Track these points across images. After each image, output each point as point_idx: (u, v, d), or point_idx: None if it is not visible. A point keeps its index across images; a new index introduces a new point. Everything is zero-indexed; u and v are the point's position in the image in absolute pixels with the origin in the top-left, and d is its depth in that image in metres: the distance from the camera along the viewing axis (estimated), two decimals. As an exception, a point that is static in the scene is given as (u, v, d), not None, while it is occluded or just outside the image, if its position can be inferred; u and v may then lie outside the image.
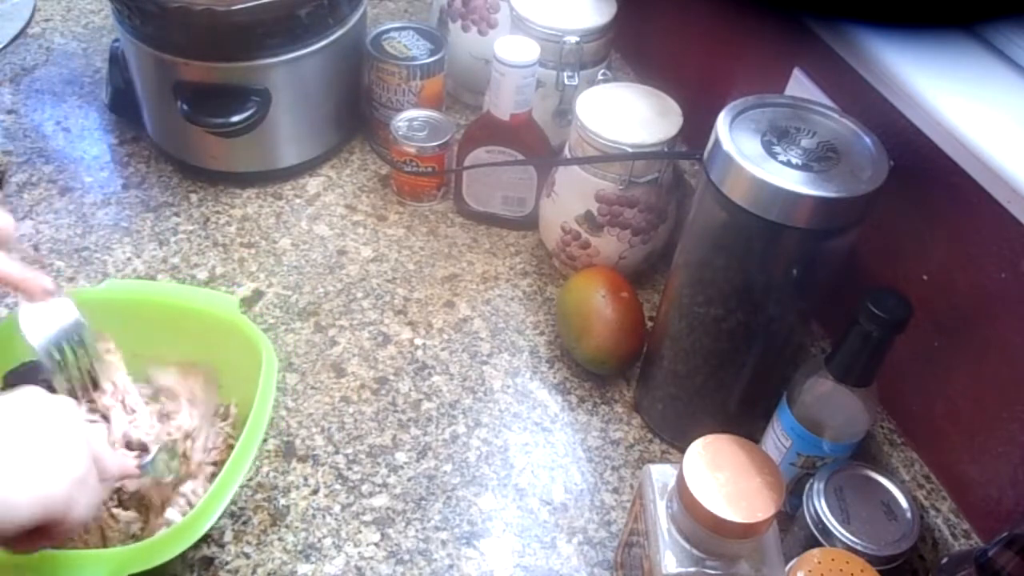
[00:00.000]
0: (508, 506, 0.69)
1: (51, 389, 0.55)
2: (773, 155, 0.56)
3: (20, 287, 0.55)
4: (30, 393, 0.47)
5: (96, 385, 0.59)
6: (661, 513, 0.53)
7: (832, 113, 0.60)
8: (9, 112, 0.99)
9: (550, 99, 0.90)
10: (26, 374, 0.61)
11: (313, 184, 0.95)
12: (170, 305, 0.69)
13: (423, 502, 0.69)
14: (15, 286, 0.55)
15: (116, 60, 0.92)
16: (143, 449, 0.59)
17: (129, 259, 0.84)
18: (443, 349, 0.80)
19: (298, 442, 0.71)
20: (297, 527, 0.66)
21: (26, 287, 0.55)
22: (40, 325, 0.56)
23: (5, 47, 1.07)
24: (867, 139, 0.58)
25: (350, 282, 0.85)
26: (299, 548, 0.65)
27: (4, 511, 0.41)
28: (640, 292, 0.83)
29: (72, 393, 0.58)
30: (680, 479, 0.51)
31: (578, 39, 0.86)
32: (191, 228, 0.88)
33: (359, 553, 0.65)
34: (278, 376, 0.74)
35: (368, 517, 0.67)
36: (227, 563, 0.63)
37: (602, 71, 0.89)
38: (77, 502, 0.45)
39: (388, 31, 0.96)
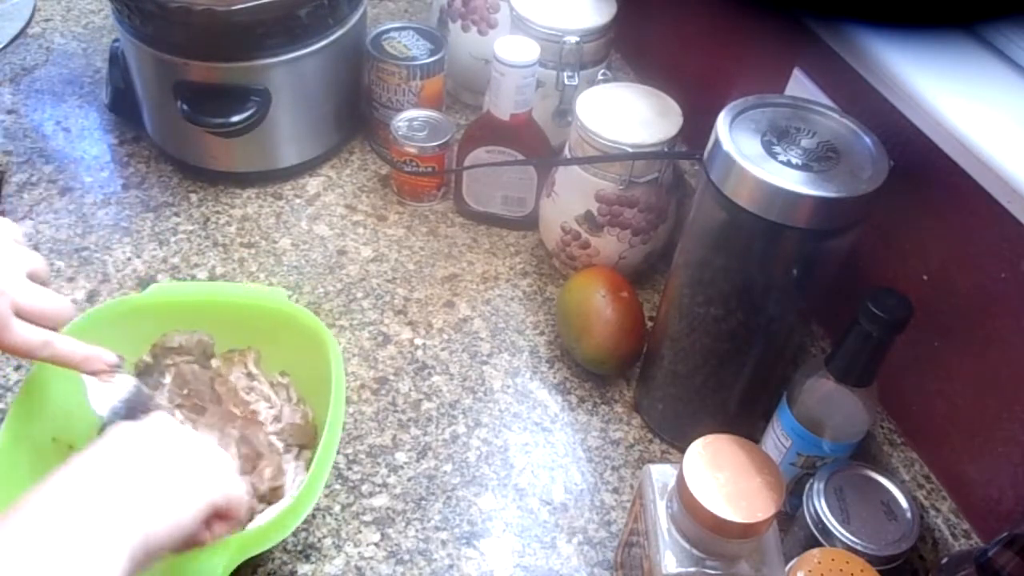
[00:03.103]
0: (508, 506, 0.69)
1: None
2: (773, 155, 0.56)
3: (83, 367, 0.56)
4: (160, 415, 0.54)
5: None
6: (661, 513, 0.53)
7: (832, 113, 0.60)
8: (9, 112, 0.99)
9: (550, 99, 0.90)
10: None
11: (313, 184, 0.95)
12: (215, 303, 0.70)
13: (423, 502, 0.69)
14: (77, 367, 0.56)
15: (116, 60, 0.92)
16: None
17: (129, 259, 0.84)
18: (443, 349, 0.80)
19: (298, 442, 0.71)
20: (297, 527, 0.66)
21: (89, 367, 0.56)
22: (106, 396, 0.57)
23: (5, 47, 1.07)
24: (867, 139, 0.58)
25: (350, 282, 0.85)
26: (299, 548, 0.65)
27: (182, 510, 0.46)
28: (640, 292, 0.83)
29: None
30: (680, 479, 0.51)
31: (578, 39, 0.86)
32: (191, 228, 0.88)
33: (359, 553, 0.65)
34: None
35: (368, 517, 0.67)
36: (227, 563, 0.63)
37: (602, 71, 0.89)
38: (231, 484, 0.50)
39: (388, 31, 0.96)
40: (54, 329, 0.54)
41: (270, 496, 0.62)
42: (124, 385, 0.58)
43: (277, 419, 0.67)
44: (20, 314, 0.52)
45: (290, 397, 0.69)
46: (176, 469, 0.47)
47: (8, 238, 0.55)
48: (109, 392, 0.57)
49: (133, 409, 0.58)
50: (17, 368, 0.74)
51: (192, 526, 0.46)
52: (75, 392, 0.59)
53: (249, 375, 0.69)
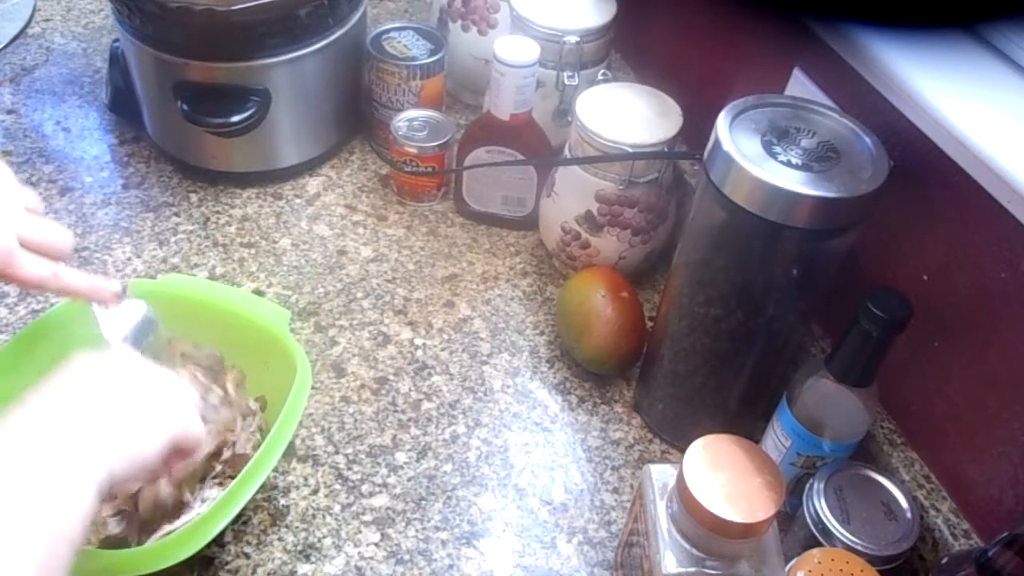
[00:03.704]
0: (508, 506, 0.69)
1: None
2: (773, 155, 0.56)
3: (90, 296, 0.58)
4: (121, 348, 0.54)
5: None
6: (661, 513, 0.53)
7: (832, 113, 0.60)
8: (9, 112, 0.99)
9: (550, 99, 0.90)
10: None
11: (313, 184, 0.95)
12: (219, 307, 0.70)
13: (423, 502, 0.69)
14: (84, 295, 0.58)
15: (116, 60, 0.92)
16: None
17: (129, 259, 0.84)
18: (443, 349, 0.80)
19: (298, 442, 0.71)
20: (297, 527, 0.66)
21: (97, 295, 0.58)
22: (116, 324, 0.59)
23: (5, 47, 1.07)
24: (867, 139, 0.58)
25: (350, 282, 0.85)
26: (299, 548, 0.65)
27: (143, 445, 0.46)
28: (640, 292, 0.83)
29: None
30: (680, 479, 0.51)
31: (578, 39, 0.86)
32: (191, 228, 0.88)
33: (359, 553, 0.65)
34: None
35: (368, 517, 0.67)
36: (227, 563, 0.63)
37: (602, 71, 0.89)
38: (191, 418, 0.50)
39: (388, 31, 0.96)
40: (57, 261, 0.56)
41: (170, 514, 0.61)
42: (134, 311, 0.60)
43: (229, 447, 0.65)
44: (26, 246, 0.53)
45: (255, 427, 0.67)
46: (138, 401, 0.47)
47: (3, 176, 0.56)
48: (119, 319, 0.59)
49: (142, 334, 0.60)
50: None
51: (153, 459, 0.47)
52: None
53: (225, 397, 0.67)
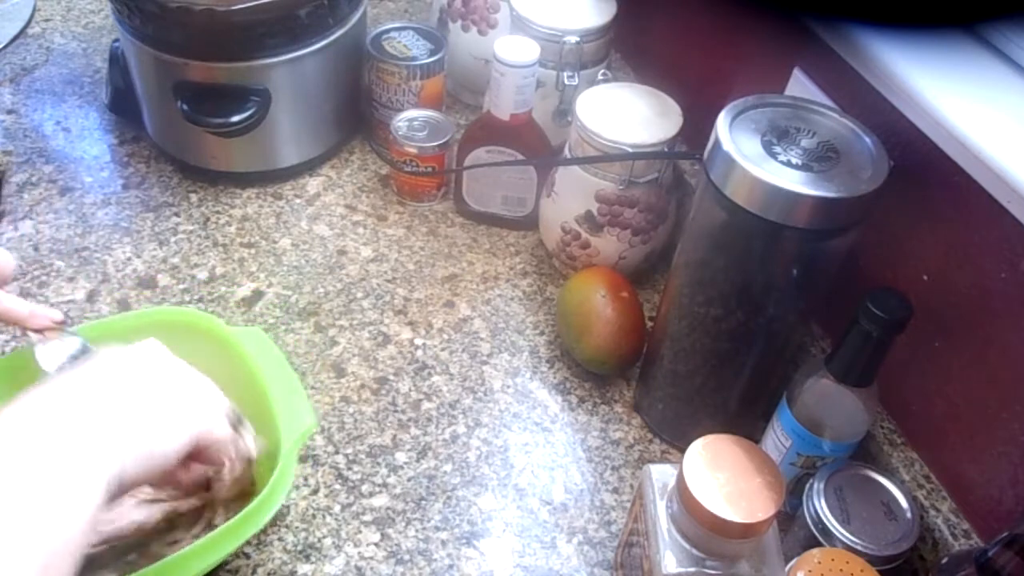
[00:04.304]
0: (508, 506, 0.69)
1: None
2: (773, 155, 0.56)
3: (28, 324, 0.55)
4: (150, 342, 0.50)
5: None
6: (661, 513, 0.53)
7: (832, 113, 0.60)
8: (9, 112, 0.99)
9: (550, 99, 0.90)
10: None
11: (313, 184, 0.95)
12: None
13: (423, 502, 0.69)
14: (22, 323, 0.55)
15: (116, 60, 0.92)
16: None
17: (129, 259, 0.84)
18: (443, 349, 0.80)
19: (298, 442, 0.71)
20: (297, 527, 0.66)
21: (35, 323, 0.56)
22: (54, 356, 0.57)
23: (5, 47, 1.07)
24: (867, 139, 0.58)
25: (350, 282, 0.85)
26: (299, 548, 0.65)
27: (161, 443, 0.44)
28: (640, 292, 0.83)
29: None
30: (680, 479, 0.51)
31: (578, 39, 0.86)
32: (191, 228, 0.88)
33: (359, 553, 0.65)
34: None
35: (368, 517, 0.67)
36: (227, 563, 0.63)
37: (602, 71, 0.89)
38: (218, 420, 0.48)
39: (388, 31, 0.96)
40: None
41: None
42: (71, 343, 0.57)
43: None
44: None
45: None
46: (158, 397, 0.45)
47: None
48: (56, 349, 0.57)
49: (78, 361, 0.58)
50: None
51: (170, 460, 0.44)
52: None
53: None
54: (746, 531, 0.49)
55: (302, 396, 0.63)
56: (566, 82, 0.88)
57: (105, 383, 0.44)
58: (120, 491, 0.41)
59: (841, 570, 0.53)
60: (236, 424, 0.55)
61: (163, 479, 0.46)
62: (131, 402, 0.43)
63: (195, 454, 0.47)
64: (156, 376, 0.46)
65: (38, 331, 0.56)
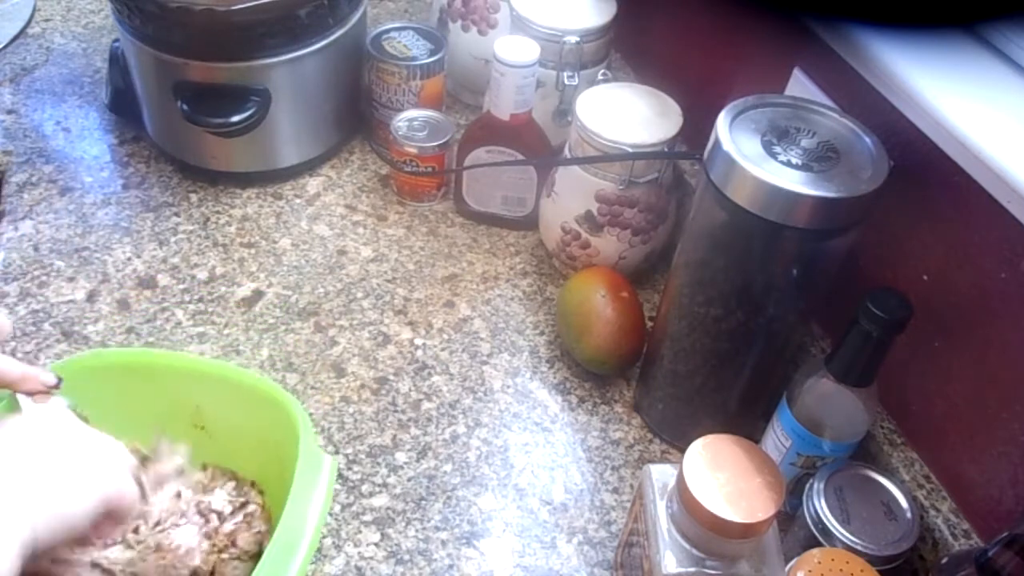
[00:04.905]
0: (508, 506, 0.69)
1: None
2: (773, 155, 0.56)
3: (19, 387, 0.54)
4: (55, 404, 0.50)
5: None
6: (661, 513, 0.53)
7: (832, 113, 0.60)
8: (9, 112, 0.99)
9: (550, 99, 0.90)
10: None
11: (313, 184, 0.95)
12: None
13: (423, 502, 0.69)
14: (13, 386, 0.54)
15: (116, 60, 0.92)
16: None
17: (129, 259, 0.84)
18: (443, 349, 0.80)
19: (298, 442, 0.71)
20: (297, 527, 0.66)
21: (26, 387, 0.54)
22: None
23: (5, 47, 1.07)
24: (867, 139, 0.58)
25: (350, 282, 0.85)
26: (299, 548, 0.65)
27: (71, 505, 0.44)
28: (640, 292, 0.83)
29: None
30: (680, 479, 0.51)
31: (578, 39, 0.86)
32: (191, 228, 0.88)
33: (359, 553, 0.65)
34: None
35: (368, 517, 0.67)
36: (227, 563, 0.63)
37: (602, 71, 0.89)
38: (125, 488, 0.48)
39: (388, 31, 0.96)
40: None
41: None
42: (57, 407, 0.56)
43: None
44: None
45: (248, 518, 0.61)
46: (67, 461, 0.45)
47: None
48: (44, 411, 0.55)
49: None
50: None
51: (81, 522, 0.45)
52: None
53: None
54: (746, 531, 0.49)
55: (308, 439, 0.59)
56: (566, 82, 0.88)
57: (12, 450, 0.44)
58: (32, 556, 0.41)
59: (841, 570, 0.53)
60: (141, 482, 0.54)
61: (76, 540, 0.46)
62: (39, 467, 0.44)
63: (106, 515, 0.47)
64: (62, 440, 0.47)
65: (29, 394, 0.55)
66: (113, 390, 0.60)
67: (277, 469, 0.58)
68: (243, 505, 0.61)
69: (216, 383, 0.61)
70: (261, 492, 0.63)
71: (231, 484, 0.62)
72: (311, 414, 0.73)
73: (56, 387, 0.55)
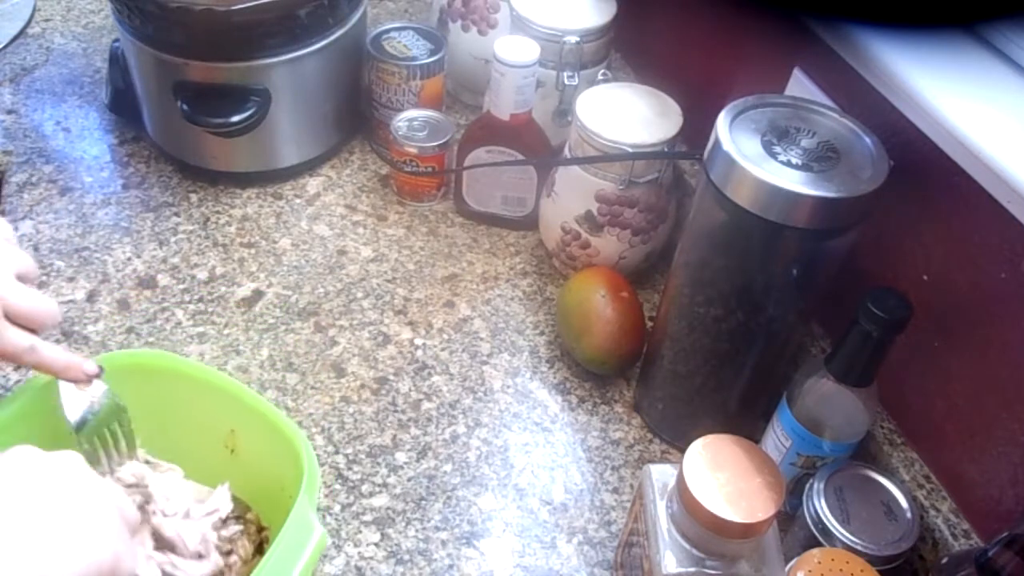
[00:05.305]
0: (508, 506, 0.69)
1: None
2: (773, 155, 0.56)
3: (63, 374, 0.54)
4: (27, 455, 0.42)
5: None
6: (661, 513, 0.53)
7: (832, 113, 0.60)
8: (9, 112, 0.99)
9: (550, 99, 0.90)
10: None
11: (313, 184, 0.95)
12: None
13: (423, 502, 0.69)
14: (57, 372, 0.54)
15: (116, 60, 0.92)
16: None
17: (129, 259, 0.84)
18: (443, 349, 0.80)
19: (298, 442, 0.71)
20: (297, 527, 0.66)
21: (69, 375, 0.54)
22: (80, 405, 0.56)
23: (5, 47, 1.07)
24: (867, 139, 0.58)
25: (350, 282, 0.85)
26: (299, 548, 0.65)
27: None
28: (640, 292, 0.83)
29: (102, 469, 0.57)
30: (680, 479, 0.51)
31: (578, 39, 0.86)
32: (191, 228, 0.88)
33: (359, 553, 0.65)
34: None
35: (368, 517, 0.67)
36: (227, 563, 0.63)
37: (602, 71, 0.89)
38: (122, 555, 0.42)
39: (388, 31, 0.96)
40: (39, 332, 0.52)
41: None
42: (96, 389, 0.57)
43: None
44: (8, 315, 0.50)
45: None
46: (53, 525, 0.39)
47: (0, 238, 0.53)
48: (82, 398, 0.56)
49: (105, 421, 0.57)
50: (17, 368, 0.74)
51: None
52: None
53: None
54: (746, 531, 0.49)
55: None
56: (566, 82, 0.88)
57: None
58: None
59: (841, 570, 0.53)
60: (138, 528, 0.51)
61: None
62: (14, 528, 0.38)
63: None
64: (45, 491, 0.41)
65: (71, 382, 0.55)
66: (153, 392, 0.60)
67: (283, 519, 0.54)
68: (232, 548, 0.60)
69: (251, 414, 0.60)
70: (261, 529, 0.62)
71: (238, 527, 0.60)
72: (311, 414, 0.73)
73: (98, 376, 0.56)
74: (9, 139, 0.95)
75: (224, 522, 0.59)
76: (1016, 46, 0.58)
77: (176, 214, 0.90)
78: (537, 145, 0.86)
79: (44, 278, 0.82)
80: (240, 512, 0.61)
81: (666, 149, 0.76)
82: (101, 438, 0.57)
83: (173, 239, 0.87)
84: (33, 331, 0.52)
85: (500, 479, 0.71)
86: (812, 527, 0.59)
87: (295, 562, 0.50)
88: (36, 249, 0.84)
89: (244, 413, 0.60)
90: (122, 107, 0.96)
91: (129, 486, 0.56)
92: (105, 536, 0.41)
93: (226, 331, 0.79)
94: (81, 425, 0.56)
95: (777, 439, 0.64)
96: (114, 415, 0.57)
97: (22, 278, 0.52)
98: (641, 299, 0.80)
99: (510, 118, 0.83)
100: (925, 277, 0.62)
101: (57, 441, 0.57)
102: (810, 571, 0.53)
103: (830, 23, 0.64)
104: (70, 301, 0.80)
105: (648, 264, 0.86)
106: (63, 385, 0.55)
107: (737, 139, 0.57)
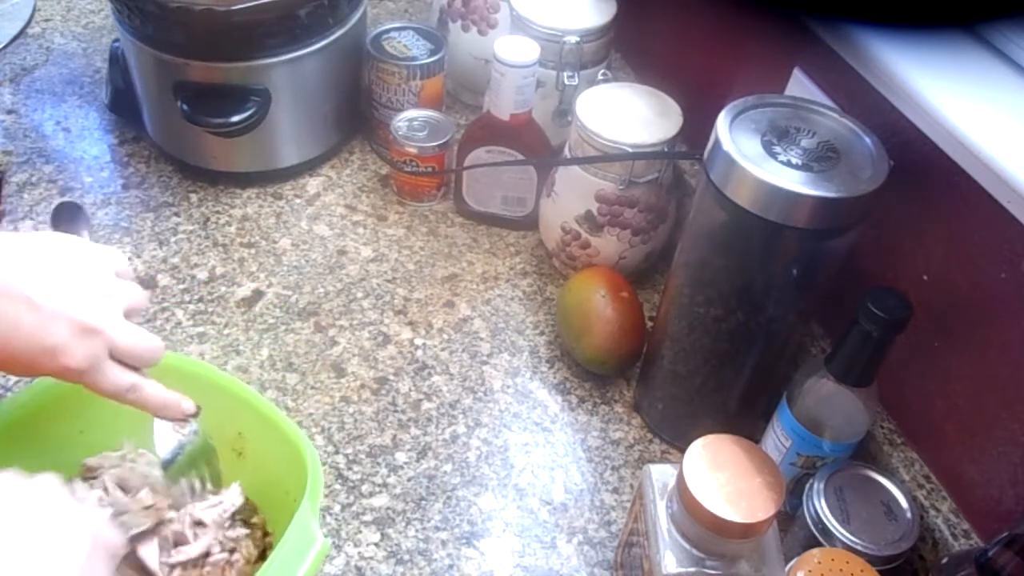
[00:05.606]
0: (508, 506, 0.69)
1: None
2: (773, 155, 0.56)
3: (160, 414, 0.53)
4: (6, 481, 0.42)
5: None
6: (661, 513, 0.53)
7: (832, 113, 0.60)
8: (9, 112, 0.99)
9: (550, 99, 0.90)
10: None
11: (313, 184, 0.95)
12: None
13: (423, 502, 0.69)
14: (155, 412, 0.52)
15: (116, 60, 0.92)
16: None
17: (129, 259, 0.84)
18: (443, 349, 0.80)
19: (298, 442, 0.71)
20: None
21: (167, 414, 0.53)
22: (168, 441, 0.55)
23: (5, 47, 1.07)
24: (867, 139, 0.58)
25: (350, 282, 0.85)
26: (299, 548, 0.65)
27: None
28: (640, 292, 0.83)
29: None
30: (680, 479, 0.51)
31: (578, 39, 0.86)
32: (191, 228, 0.88)
33: (359, 553, 0.65)
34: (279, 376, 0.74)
35: (368, 517, 0.67)
36: (227, 563, 0.63)
37: (602, 71, 0.89)
38: None
39: (388, 31, 0.96)
40: (140, 369, 0.51)
41: None
42: (187, 430, 0.56)
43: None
44: (113, 353, 0.49)
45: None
46: (11, 548, 0.38)
47: (111, 269, 0.51)
48: (173, 436, 0.56)
49: (193, 462, 0.57)
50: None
51: None
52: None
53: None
54: (746, 531, 0.49)
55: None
56: (566, 82, 0.88)
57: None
58: None
59: (841, 570, 0.53)
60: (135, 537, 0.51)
61: None
62: None
63: None
64: (13, 520, 0.40)
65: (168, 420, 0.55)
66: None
67: (287, 522, 0.54)
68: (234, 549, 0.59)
69: (257, 417, 0.59)
70: (266, 534, 0.62)
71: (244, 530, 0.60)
72: (311, 414, 0.73)
73: (195, 415, 0.54)
74: (9, 139, 0.95)
75: (232, 521, 0.59)
76: (1016, 46, 0.58)
77: (176, 214, 0.90)
78: (537, 145, 0.86)
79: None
80: (247, 516, 0.61)
81: (666, 149, 0.76)
82: (187, 477, 0.56)
83: (173, 239, 0.87)
84: (136, 368, 0.50)
85: (500, 479, 0.71)
86: (812, 527, 0.59)
87: (295, 571, 0.49)
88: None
89: (251, 416, 0.60)
90: (122, 107, 0.96)
91: (203, 525, 0.56)
92: (71, 564, 0.40)
93: (226, 331, 0.79)
94: (169, 463, 0.55)
95: (777, 439, 0.64)
96: (203, 455, 0.57)
97: (130, 313, 0.51)
98: (641, 299, 0.80)
99: (510, 118, 0.83)
100: (925, 277, 0.62)
101: (60, 443, 0.57)
102: (810, 571, 0.53)
103: (830, 23, 0.64)
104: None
105: (648, 264, 0.86)
106: (157, 421, 0.54)
107: (737, 139, 0.57)
